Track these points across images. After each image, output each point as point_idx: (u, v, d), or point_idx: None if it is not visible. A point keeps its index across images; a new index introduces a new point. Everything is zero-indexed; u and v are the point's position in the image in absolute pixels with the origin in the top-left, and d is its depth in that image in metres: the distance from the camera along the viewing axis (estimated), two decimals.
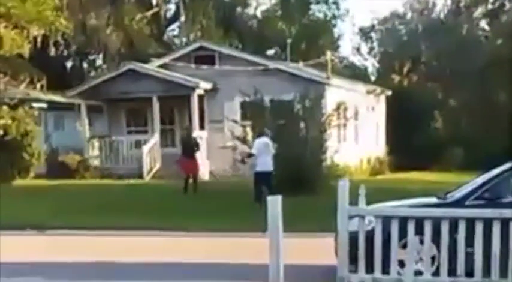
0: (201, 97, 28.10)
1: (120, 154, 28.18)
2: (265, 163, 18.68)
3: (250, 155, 19.45)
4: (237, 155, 22.32)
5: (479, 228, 7.98)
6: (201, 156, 26.37)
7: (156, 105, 27.74)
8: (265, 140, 19.18)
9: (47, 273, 10.57)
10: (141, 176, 26.34)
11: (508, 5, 42.44)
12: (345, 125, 29.38)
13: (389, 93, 35.49)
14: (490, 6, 43.18)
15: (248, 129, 23.76)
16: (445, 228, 8.05)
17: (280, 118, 21.58)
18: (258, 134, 20.09)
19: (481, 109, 35.46)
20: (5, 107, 25.05)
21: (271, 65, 28.53)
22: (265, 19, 47.95)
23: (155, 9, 43.34)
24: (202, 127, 28.10)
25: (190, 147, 21.90)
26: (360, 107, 31.56)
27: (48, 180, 25.04)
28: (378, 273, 8.15)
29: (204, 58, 28.82)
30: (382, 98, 35.16)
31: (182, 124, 28.25)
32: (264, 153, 18.77)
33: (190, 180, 21.37)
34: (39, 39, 29.83)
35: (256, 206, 16.37)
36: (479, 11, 44.26)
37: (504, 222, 7.91)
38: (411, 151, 32.82)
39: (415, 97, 36.20)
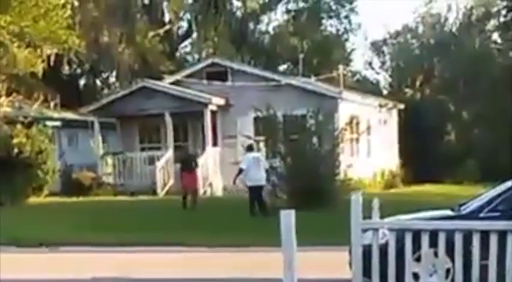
0: (214, 113, 28.18)
1: (134, 171, 28.27)
2: (256, 177, 18.95)
3: (239, 172, 19.60)
4: None
5: (493, 240, 7.94)
6: (214, 171, 26.47)
7: (169, 122, 27.83)
8: (255, 154, 19.52)
9: None
10: (154, 192, 26.39)
11: None
12: (357, 139, 29.38)
13: (402, 106, 35.46)
14: (502, 19, 43.12)
15: (261, 145, 23.87)
16: (459, 240, 8.02)
17: (293, 133, 21.63)
18: (247, 149, 20.32)
19: (494, 121, 35.34)
20: (19, 126, 25.19)
21: (284, 80, 28.61)
22: (277, 35, 48.08)
23: (167, 27, 43.56)
24: (215, 143, 28.15)
25: (188, 162, 21.87)
26: (373, 121, 31.52)
27: (62, 197, 25.12)
28: None
29: (217, 74, 28.93)
30: (395, 112, 35.13)
31: (195, 140, 28.32)
32: (253, 167, 19.01)
33: (189, 197, 21.23)
34: (52, 58, 29.99)
35: (269, 219, 16.37)
36: (491, 23, 44.24)
37: None
38: (424, 164, 32.75)
39: (428, 110, 36.15)
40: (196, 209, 20.73)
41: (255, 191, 19.15)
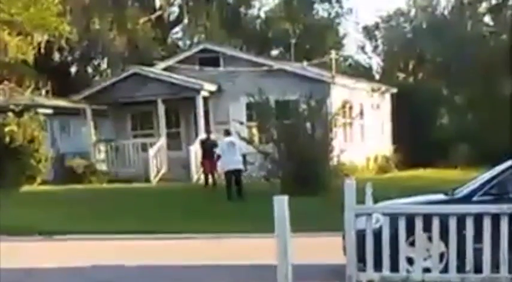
0: (206, 99, 28.11)
1: (127, 158, 28.21)
2: (230, 161, 19.35)
3: (218, 158, 20.23)
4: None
5: (487, 224, 7.95)
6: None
7: (161, 108, 27.75)
8: (230, 139, 19.83)
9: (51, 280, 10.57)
10: (147, 180, 26.34)
11: None
12: (350, 124, 29.36)
13: (395, 91, 35.44)
14: (493, 1, 43.06)
15: (254, 130, 23.89)
16: (452, 224, 8.02)
17: (286, 118, 21.62)
18: (224, 133, 20.62)
19: (487, 105, 35.36)
20: (10, 114, 25.08)
21: (276, 65, 28.53)
22: (268, 19, 47.93)
23: (158, 13, 43.37)
24: (207, 129, 28.07)
25: (209, 148, 22.38)
26: (366, 106, 31.51)
27: (55, 185, 25.06)
28: (386, 271, 8.13)
29: (209, 60, 28.83)
30: (388, 96, 35.11)
31: (188, 127, 28.25)
32: (228, 152, 19.36)
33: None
34: (43, 45, 29.83)
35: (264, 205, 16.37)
36: (483, 6, 44.16)
37: None
38: (418, 148, 32.75)
39: (421, 94, 36.13)
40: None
41: (230, 175, 19.53)
